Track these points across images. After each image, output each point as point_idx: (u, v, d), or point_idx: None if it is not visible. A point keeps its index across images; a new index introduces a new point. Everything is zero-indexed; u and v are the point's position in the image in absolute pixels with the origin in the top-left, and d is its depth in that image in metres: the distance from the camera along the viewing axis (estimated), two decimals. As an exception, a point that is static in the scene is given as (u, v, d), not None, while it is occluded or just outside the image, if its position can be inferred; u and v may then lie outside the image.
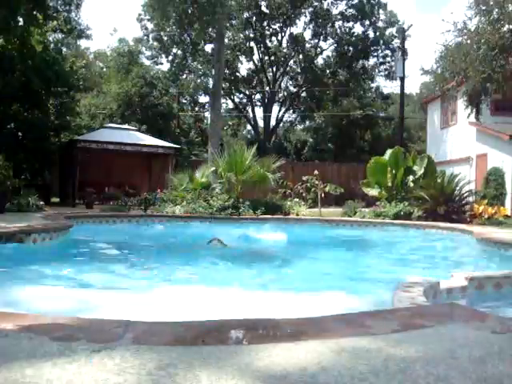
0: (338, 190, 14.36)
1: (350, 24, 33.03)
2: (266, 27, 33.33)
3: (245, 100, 36.18)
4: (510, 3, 11.36)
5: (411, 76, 76.47)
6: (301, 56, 33.66)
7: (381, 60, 33.91)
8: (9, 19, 11.73)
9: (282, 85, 35.55)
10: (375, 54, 33.78)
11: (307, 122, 37.50)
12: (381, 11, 32.89)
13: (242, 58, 34.50)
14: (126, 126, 23.29)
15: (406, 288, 2.92)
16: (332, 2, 32.51)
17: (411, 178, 13.57)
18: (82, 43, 37.79)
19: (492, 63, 11.42)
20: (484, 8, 11.72)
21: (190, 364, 1.37)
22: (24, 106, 16.40)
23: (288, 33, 33.42)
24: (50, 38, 18.22)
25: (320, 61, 34.94)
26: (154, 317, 2.87)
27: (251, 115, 35.83)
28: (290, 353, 1.48)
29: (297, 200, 13.52)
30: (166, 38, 30.49)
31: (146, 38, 31.51)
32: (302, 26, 33.58)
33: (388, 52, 33.37)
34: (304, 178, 14.52)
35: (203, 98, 35.46)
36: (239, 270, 5.49)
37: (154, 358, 1.41)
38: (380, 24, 33.12)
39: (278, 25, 33.29)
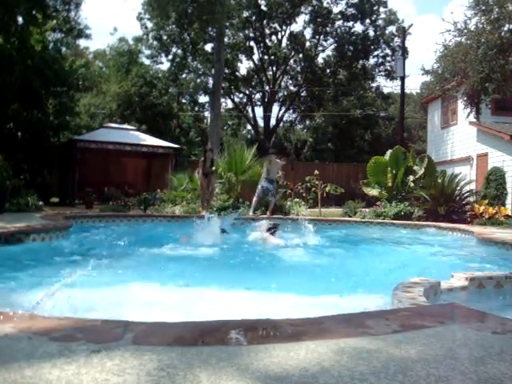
0: (338, 190, 14.35)
1: (350, 23, 33.07)
2: (266, 26, 33.34)
3: (245, 100, 36.17)
4: (509, 3, 11.36)
5: (412, 75, 76.55)
6: (301, 55, 33.68)
7: (381, 59, 33.91)
8: (8, 19, 11.72)
9: (282, 84, 35.56)
10: (375, 53, 33.79)
11: (307, 122, 37.50)
12: (381, 9, 32.94)
13: (242, 58, 34.53)
14: (125, 126, 23.29)
15: (406, 288, 2.91)
16: (332, 1, 32.55)
17: (411, 178, 13.57)
18: (82, 43, 37.74)
19: (491, 63, 11.42)
20: (484, 8, 11.72)
21: (189, 364, 1.37)
22: (23, 105, 16.38)
23: (288, 32, 33.47)
24: (50, 38, 18.19)
25: (320, 60, 35.01)
26: (153, 317, 2.87)
27: (251, 115, 35.83)
28: (290, 353, 1.48)
29: (297, 200, 13.51)
30: (165, 37, 30.50)
31: (145, 36, 31.53)
32: (301, 25, 33.66)
33: (388, 51, 33.36)
34: (306, 179, 14.52)
35: (203, 98, 35.50)
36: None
37: (153, 358, 1.41)
38: (380, 22, 33.13)
39: (277, 24, 33.31)
